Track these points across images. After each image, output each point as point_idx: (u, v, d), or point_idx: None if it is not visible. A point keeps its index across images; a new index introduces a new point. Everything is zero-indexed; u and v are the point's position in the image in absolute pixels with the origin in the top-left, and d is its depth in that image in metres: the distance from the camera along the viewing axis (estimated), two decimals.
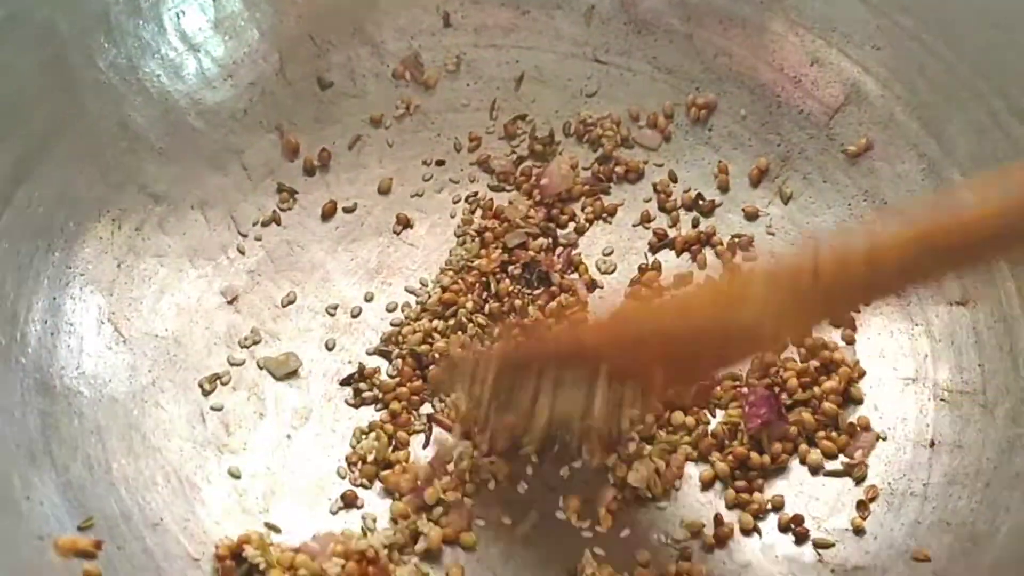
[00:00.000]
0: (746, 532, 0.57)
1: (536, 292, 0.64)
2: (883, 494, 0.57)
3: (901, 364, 0.61)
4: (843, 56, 0.67)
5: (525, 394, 0.52)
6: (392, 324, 0.63)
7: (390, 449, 0.59)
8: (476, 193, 0.68)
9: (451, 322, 0.63)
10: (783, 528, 0.57)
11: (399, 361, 0.62)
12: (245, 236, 0.65)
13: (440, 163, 0.69)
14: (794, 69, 0.68)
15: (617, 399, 0.52)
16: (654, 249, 0.66)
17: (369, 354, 0.62)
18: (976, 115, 0.62)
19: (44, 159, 0.60)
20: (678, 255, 0.66)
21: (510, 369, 0.53)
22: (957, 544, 0.53)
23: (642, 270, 0.66)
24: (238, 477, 0.58)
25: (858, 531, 0.56)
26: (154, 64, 0.65)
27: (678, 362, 0.51)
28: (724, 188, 0.68)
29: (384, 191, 0.67)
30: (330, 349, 0.62)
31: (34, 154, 0.60)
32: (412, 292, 0.64)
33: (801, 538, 0.56)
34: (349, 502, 0.57)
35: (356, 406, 0.60)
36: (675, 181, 0.69)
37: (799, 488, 0.58)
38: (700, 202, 0.68)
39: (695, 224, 0.67)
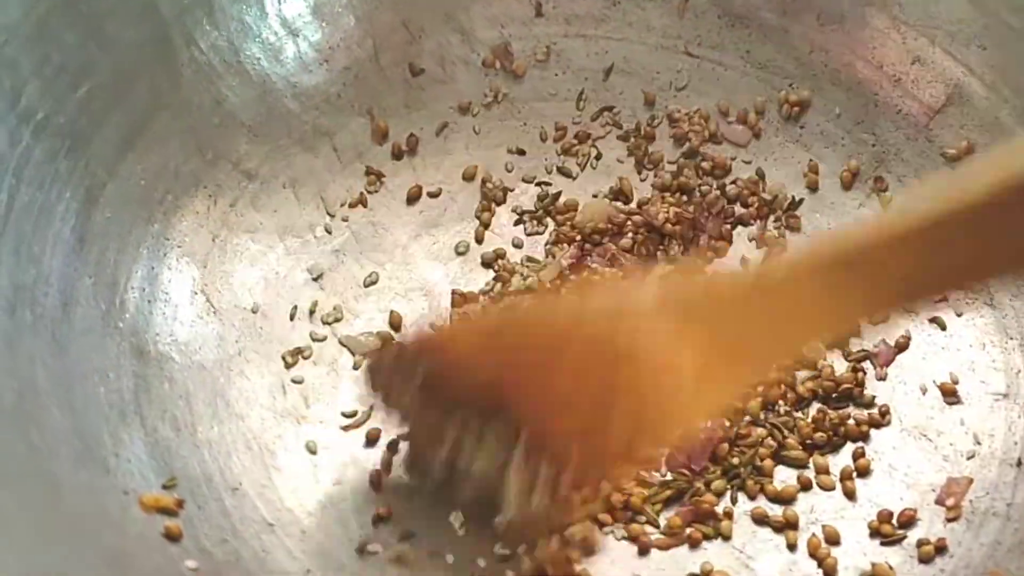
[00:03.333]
0: (831, 542, 0.56)
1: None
2: (965, 512, 0.55)
3: (992, 379, 0.59)
4: (947, 55, 0.65)
5: (445, 427, 0.50)
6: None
7: None
8: (550, 184, 0.68)
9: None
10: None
11: None
12: (333, 216, 0.66)
13: (522, 152, 0.69)
14: (894, 67, 0.66)
15: (531, 478, 0.47)
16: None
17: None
18: None
19: (145, 133, 0.62)
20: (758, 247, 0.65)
21: (436, 383, 0.50)
22: None
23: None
24: (314, 452, 0.59)
25: (938, 549, 0.54)
26: (255, 47, 0.66)
27: (592, 421, 0.45)
28: (813, 188, 0.67)
29: (469, 177, 0.68)
30: (408, 330, 0.63)
31: (136, 128, 0.62)
32: (496, 278, 0.64)
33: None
34: None
35: None
36: (763, 179, 0.68)
37: (879, 501, 0.57)
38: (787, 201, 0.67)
39: (778, 224, 0.66)
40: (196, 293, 0.62)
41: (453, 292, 0.64)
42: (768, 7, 0.69)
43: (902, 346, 0.62)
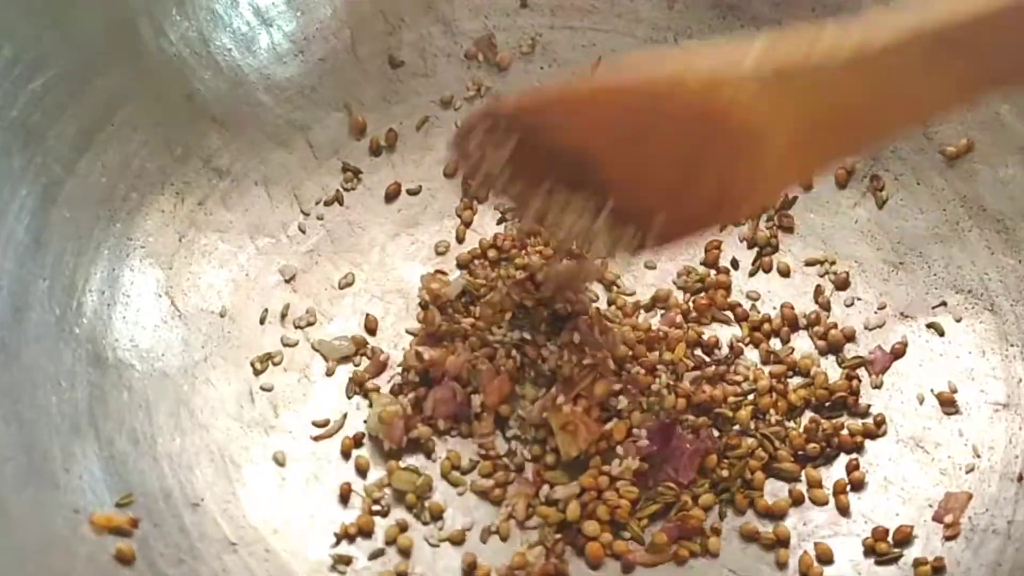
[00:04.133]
0: (823, 561, 0.54)
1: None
2: (963, 530, 0.53)
3: (992, 388, 0.57)
4: None
5: (534, 189, 0.50)
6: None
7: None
8: None
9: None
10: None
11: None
12: (307, 215, 0.64)
13: None
14: None
15: (617, 235, 0.49)
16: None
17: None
18: None
19: (108, 128, 0.60)
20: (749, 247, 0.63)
21: (527, 154, 0.49)
22: None
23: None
24: (282, 464, 0.57)
25: (936, 569, 0.52)
26: (226, 38, 0.64)
27: (674, 184, 0.46)
28: (807, 186, 0.64)
29: (450, 174, 0.65)
30: (385, 334, 0.61)
31: (98, 122, 0.60)
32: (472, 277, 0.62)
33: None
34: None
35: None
36: None
37: (874, 517, 0.55)
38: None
39: (770, 224, 0.63)
40: (160, 296, 0.60)
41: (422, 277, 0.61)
42: None
43: (898, 352, 0.59)
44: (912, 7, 0.43)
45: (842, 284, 0.62)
